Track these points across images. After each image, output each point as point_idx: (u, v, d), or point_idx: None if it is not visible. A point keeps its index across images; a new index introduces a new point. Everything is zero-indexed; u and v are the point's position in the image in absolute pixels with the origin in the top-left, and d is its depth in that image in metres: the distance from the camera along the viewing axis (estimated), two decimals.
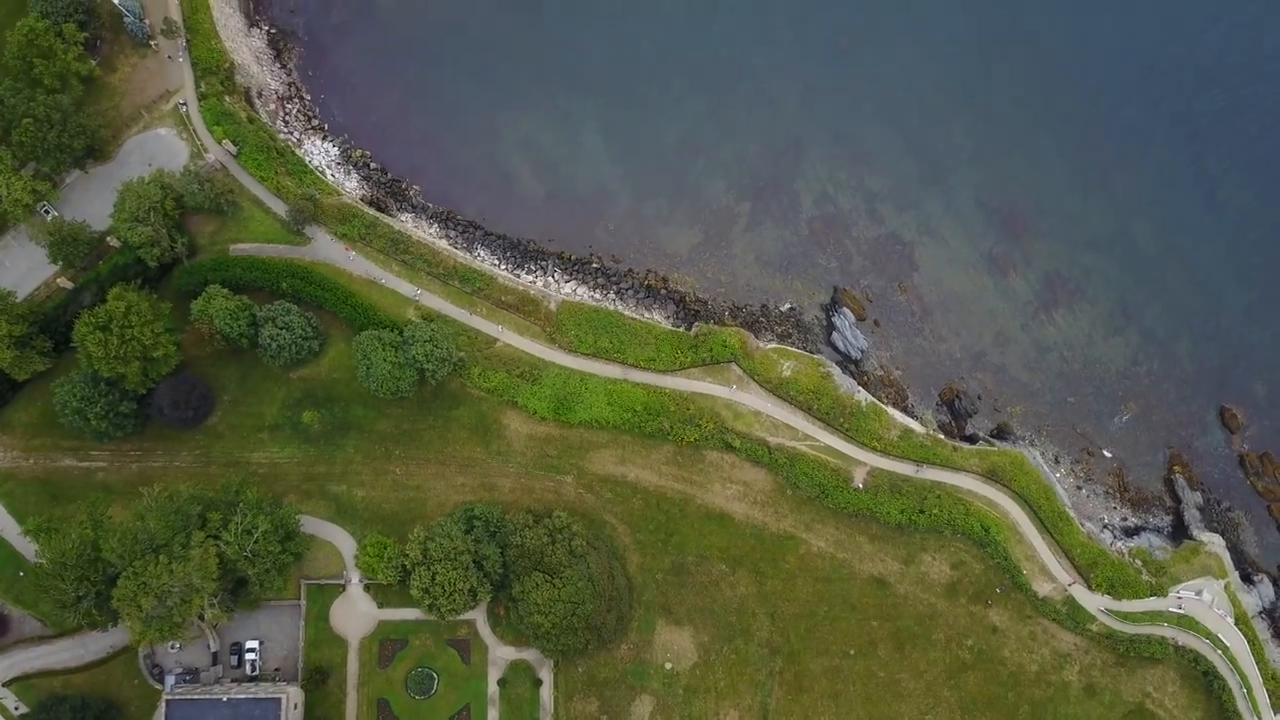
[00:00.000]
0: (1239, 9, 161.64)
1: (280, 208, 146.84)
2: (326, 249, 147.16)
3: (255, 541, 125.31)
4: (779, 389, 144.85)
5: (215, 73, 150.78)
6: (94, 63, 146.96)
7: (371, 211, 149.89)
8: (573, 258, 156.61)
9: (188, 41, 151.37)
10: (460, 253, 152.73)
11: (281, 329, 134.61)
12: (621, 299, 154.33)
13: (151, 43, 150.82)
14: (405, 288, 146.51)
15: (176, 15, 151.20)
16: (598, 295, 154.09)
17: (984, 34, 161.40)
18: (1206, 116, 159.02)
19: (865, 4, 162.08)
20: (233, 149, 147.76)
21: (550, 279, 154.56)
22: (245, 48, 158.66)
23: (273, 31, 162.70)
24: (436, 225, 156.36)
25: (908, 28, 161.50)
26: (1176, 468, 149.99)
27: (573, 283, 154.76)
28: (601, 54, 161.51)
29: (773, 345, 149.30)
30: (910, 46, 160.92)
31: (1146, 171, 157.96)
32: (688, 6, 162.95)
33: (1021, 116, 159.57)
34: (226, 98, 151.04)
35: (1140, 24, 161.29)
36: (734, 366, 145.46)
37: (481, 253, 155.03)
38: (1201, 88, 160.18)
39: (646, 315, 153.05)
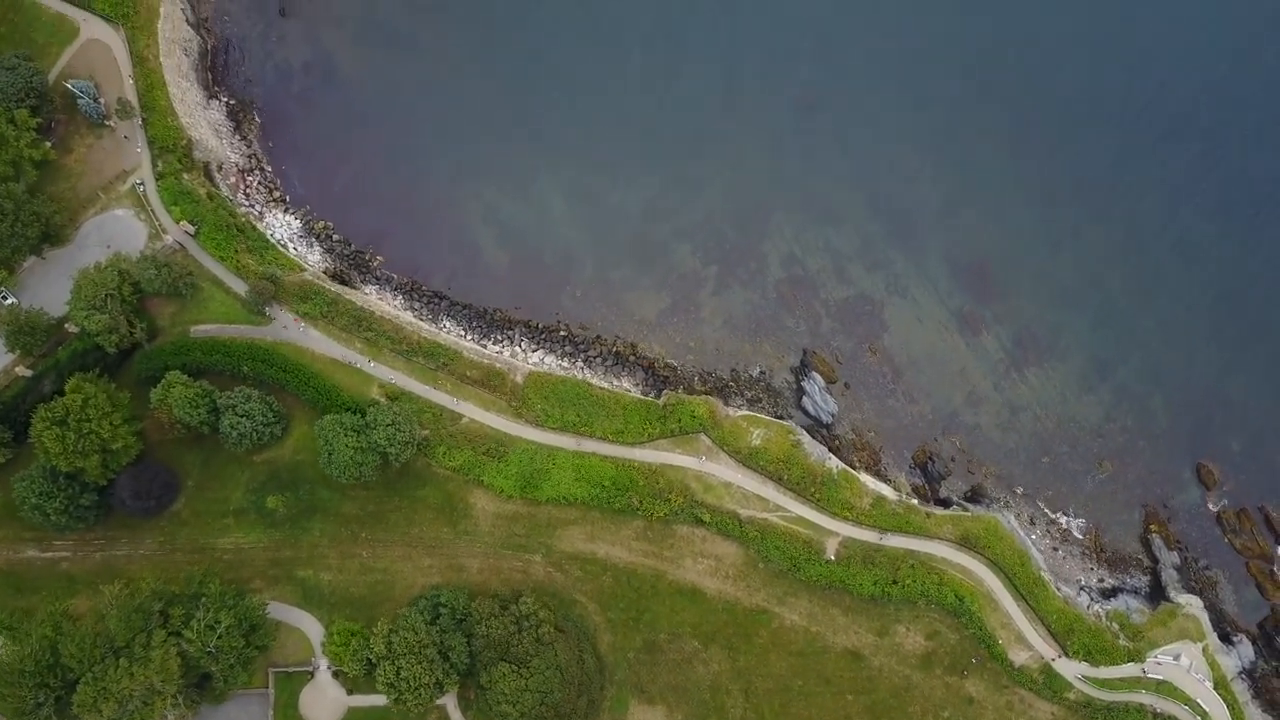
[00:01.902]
0: (1208, 60, 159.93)
1: (241, 287, 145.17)
2: (288, 328, 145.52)
3: (219, 638, 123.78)
4: (749, 459, 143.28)
5: (172, 150, 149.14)
6: (49, 145, 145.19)
7: (334, 288, 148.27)
8: (540, 326, 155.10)
9: (144, 120, 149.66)
10: (425, 325, 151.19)
11: (241, 417, 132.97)
12: (590, 367, 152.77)
13: (107, 122, 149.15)
14: (368, 365, 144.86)
15: (131, 95, 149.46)
16: (565, 364, 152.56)
17: (950, 89, 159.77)
18: (1178, 168, 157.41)
19: (829, 62, 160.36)
20: (191, 229, 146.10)
21: (517, 349, 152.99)
22: (204, 121, 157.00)
23: (232, 103, 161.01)
24: (401, 297, 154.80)
25: (872, 85, 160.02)
26: (1153, 526, 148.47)
27: (540, 352, 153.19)
28: (565, 119, 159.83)
29: (742, 412, 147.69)
30: (875, 103, 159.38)
31: (1117, 224, 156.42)
32: (651, 69, 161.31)
33: (989, 171, 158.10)
34: (185, 175, 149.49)
35: (1108, 76, 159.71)
36: (703, 437, 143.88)
37: (447, 323, 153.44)
38: (1172, 138, 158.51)
39: (615, 384, 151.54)
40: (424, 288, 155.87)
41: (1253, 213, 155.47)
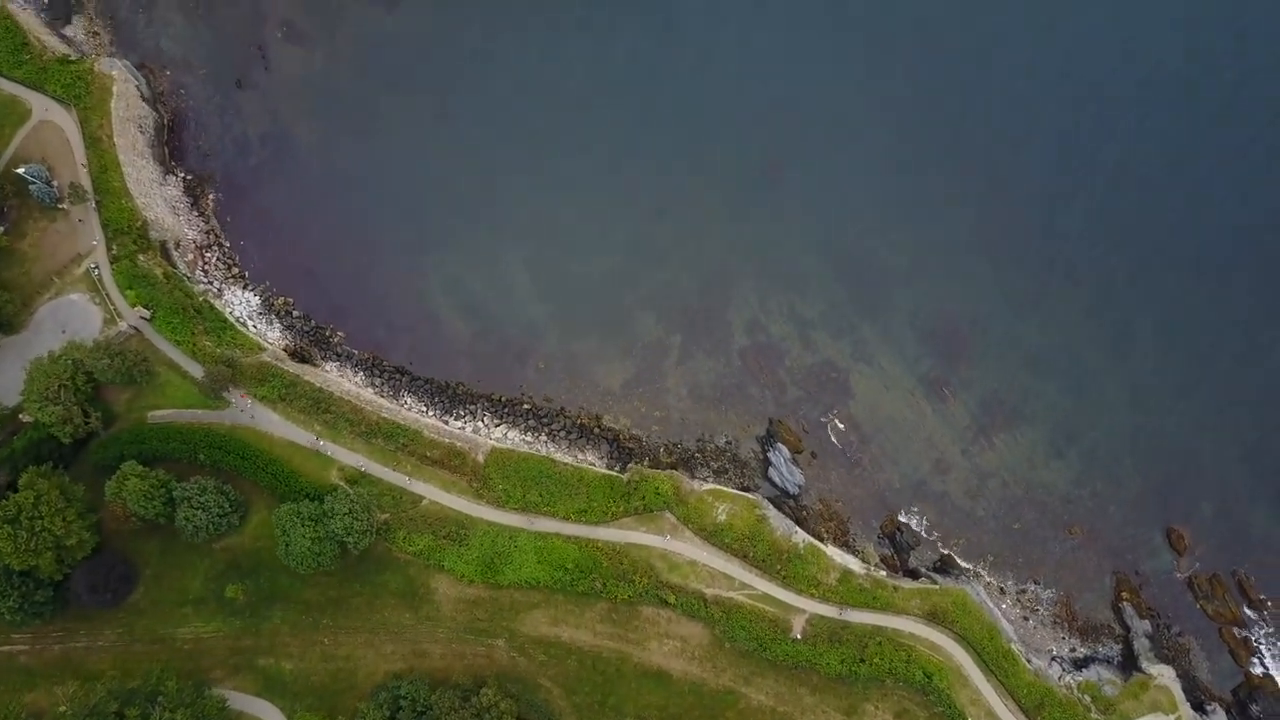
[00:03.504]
0: (1176, 120, 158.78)
1: (199, 371, 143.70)
2: (246, 412, 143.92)
3: None
4: (714, 535, 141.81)
5: (127, 232, 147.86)
6: (1, 230, 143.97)
7: (292, 369, 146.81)
8: (503, 399, 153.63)
9: (98, 203, 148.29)
10: (386, 402, 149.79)
11: (197, 509, 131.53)
12: (554, 441, 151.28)
13: (61, 205, 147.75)
14: (327, 448, 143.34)
15: (84, 180, 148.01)
16: (529, 438, 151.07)
17: (914, 153, 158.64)
18: (1146, 229, 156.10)
19: (791, 126, 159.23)
20: (146, 314, 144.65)
21: (480, 423, 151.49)
22: (160, 199, 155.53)
23: (189, 178, 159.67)
24: (362, 373, 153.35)
25: (835, 149, 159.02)
26: (1124, 593, 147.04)
27: (503, 426, 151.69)
28: (527, 189, 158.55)
29: (708, 486, 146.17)
30: (838, 168, 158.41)
31: (1084, 287, 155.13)
32: (614, 136, 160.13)
33: (955, 235, 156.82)
34: (140, 257, 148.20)
35: (1073, 138, 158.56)
36: (668, 514, 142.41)
37: (409, 399, 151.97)
38: (1141, 199, 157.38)
39: (579, 457, 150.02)
40: (385, 363, 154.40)
41: (1221, 273, 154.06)
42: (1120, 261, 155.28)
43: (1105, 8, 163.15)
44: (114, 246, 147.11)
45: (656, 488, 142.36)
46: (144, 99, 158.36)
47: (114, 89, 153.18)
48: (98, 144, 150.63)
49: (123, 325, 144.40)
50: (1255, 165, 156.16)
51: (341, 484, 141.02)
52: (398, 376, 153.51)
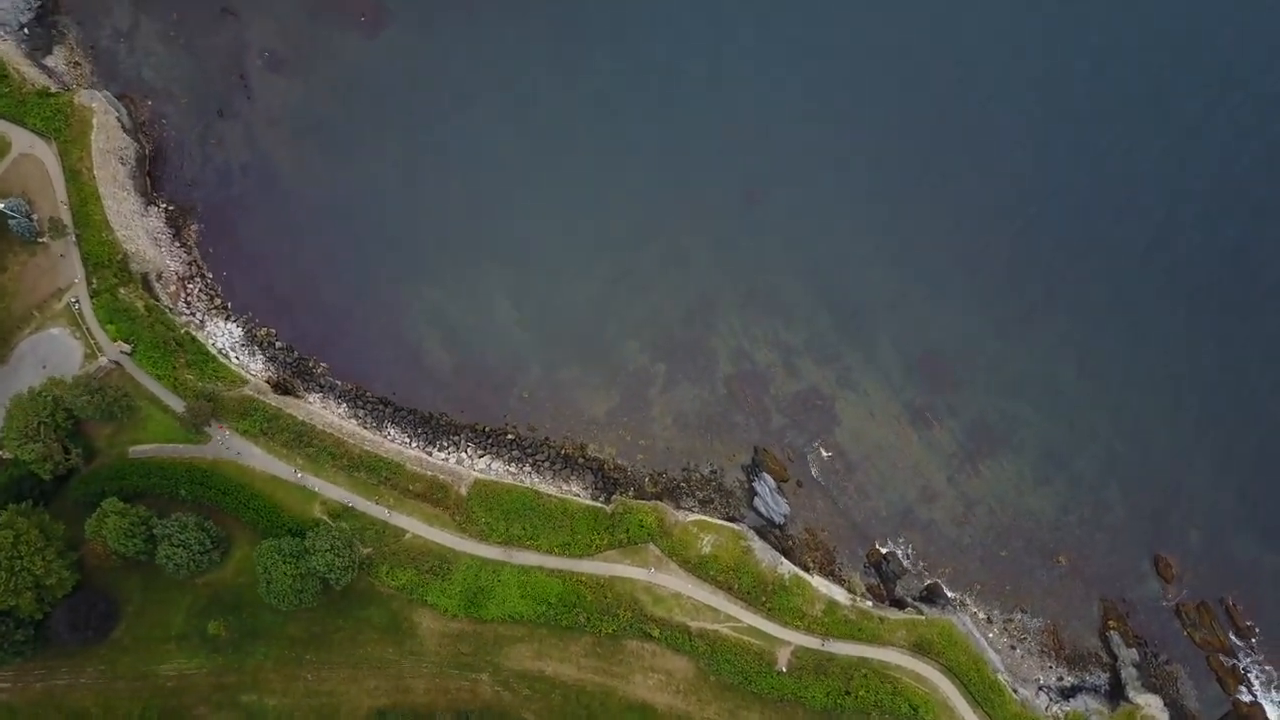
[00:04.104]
0: (1158, 144, 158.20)
1: (180, 405, 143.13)
2: (228, 446, 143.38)
3: None
4: (699, 568, 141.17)
5: (108, 265, 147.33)
6: None
7: (274, 402, 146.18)
8: (487, 429, 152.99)
9: (78, 236, 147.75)
10: (369, 434, 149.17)
11: (178, 547, 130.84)
12: (538, 471, 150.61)
13: (41, 239, 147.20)
14: (310, 481, 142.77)
15: (64, 214, 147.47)
16: (513, 469, 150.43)
17: (897, 178, 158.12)
18: (1127, 253, 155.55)
19: (773, 153, 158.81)
20: (127, 348, 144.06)
21: (464, 454, 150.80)
22: (141, 231, 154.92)
23: (171, 209, 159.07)
24: (345, 405, 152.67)
25: (817, 176, 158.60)
26: (1111, 622, 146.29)
27: (487, 457, 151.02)
28: (509, 217, 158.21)
29: (693, 517, 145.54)
30: (820, 194, 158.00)
31: (1068, 312, 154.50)
32: (596, 164, 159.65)
33: (939, 260, 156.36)
34: (121, 290, 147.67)
35: (1055, 159, 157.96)
36: (652, 546, 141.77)
37: (392, 431, 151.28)
38: (1122, 223, 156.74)
39: (564, 488, 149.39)
40: (369, 394, 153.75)
41: (1208, 299, 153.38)
42: (1106, 287, 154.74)
43: (1084, 35, 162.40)
44: (94, 280, 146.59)
45: (640, 520, 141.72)
46: (125, 130, 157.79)
47: (94, 121, 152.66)
48: (78, 177, 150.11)
49: (103, 360, 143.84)
50: (1236, 188, 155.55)
51: (324, 518, 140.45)
52: (381, 408, 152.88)
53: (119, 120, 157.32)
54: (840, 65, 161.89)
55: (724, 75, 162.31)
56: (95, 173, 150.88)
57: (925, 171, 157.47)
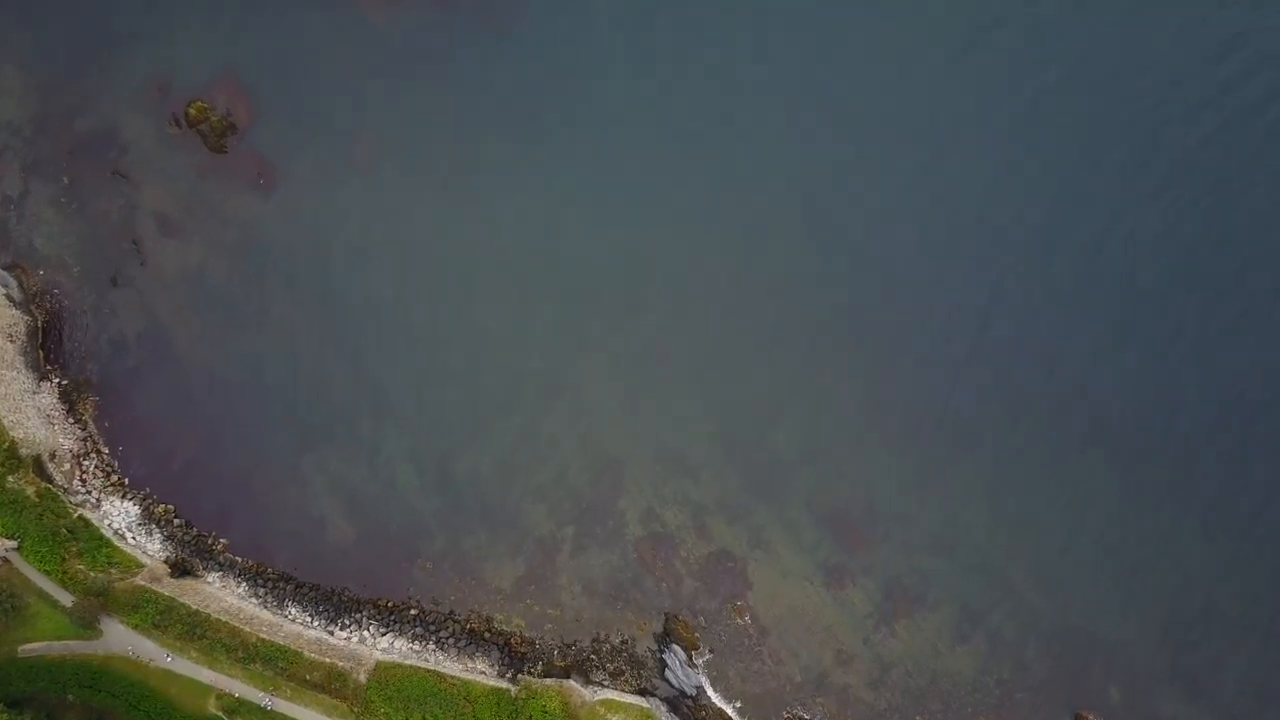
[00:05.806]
0: (1068, 291, 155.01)
1: (69, 600, 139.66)
2: (121, 640, 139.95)
3: None
4: None
5: None
6: None
7: (168, 592, 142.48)
8: (389, 605, 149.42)
9: None
10: (270, 615, 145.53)
11: None
12: (442, 649, 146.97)
13: None
14: (205, 675, 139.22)
15: None
16: (417, 647, 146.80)
17: (804, 323, 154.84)
18: (1045, 401, 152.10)
19: (678, 305, 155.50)
20: (12, 545, 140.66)
21: (365, 633, 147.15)
22: (33, 410, 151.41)
23: (65, 384, 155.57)
24: (245, 583, 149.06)
25: (723, 325, 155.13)
26: None
27: (390, 635, 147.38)
28: (407, 381, 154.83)
29: (600, 696, 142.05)
30: (726, 347, 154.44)
31: (981, 463, 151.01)
32: (497, 319, 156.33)
33: (848, 412, 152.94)
34: (10, 478, 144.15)
35: (967, 312, 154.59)
36: None
37: (293, 610, 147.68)
38: (1038, 366, 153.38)
39: (469, 665, 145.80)
40: (270, 571, 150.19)
41: (1117, 442, 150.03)
42: (1020, 438, 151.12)
43: (992, 168, 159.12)
44: None
45: (544, 705, 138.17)
46: (15, 304, 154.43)
47: None
48: None
49: None
50: (1150, 339, 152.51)
51: (220, 715, 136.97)
52: (282, 585, 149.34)
53: (8, 295, 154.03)
54: (742, 213, 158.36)
55: (620, 221, 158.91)
56: None
57: (831, 322, 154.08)
